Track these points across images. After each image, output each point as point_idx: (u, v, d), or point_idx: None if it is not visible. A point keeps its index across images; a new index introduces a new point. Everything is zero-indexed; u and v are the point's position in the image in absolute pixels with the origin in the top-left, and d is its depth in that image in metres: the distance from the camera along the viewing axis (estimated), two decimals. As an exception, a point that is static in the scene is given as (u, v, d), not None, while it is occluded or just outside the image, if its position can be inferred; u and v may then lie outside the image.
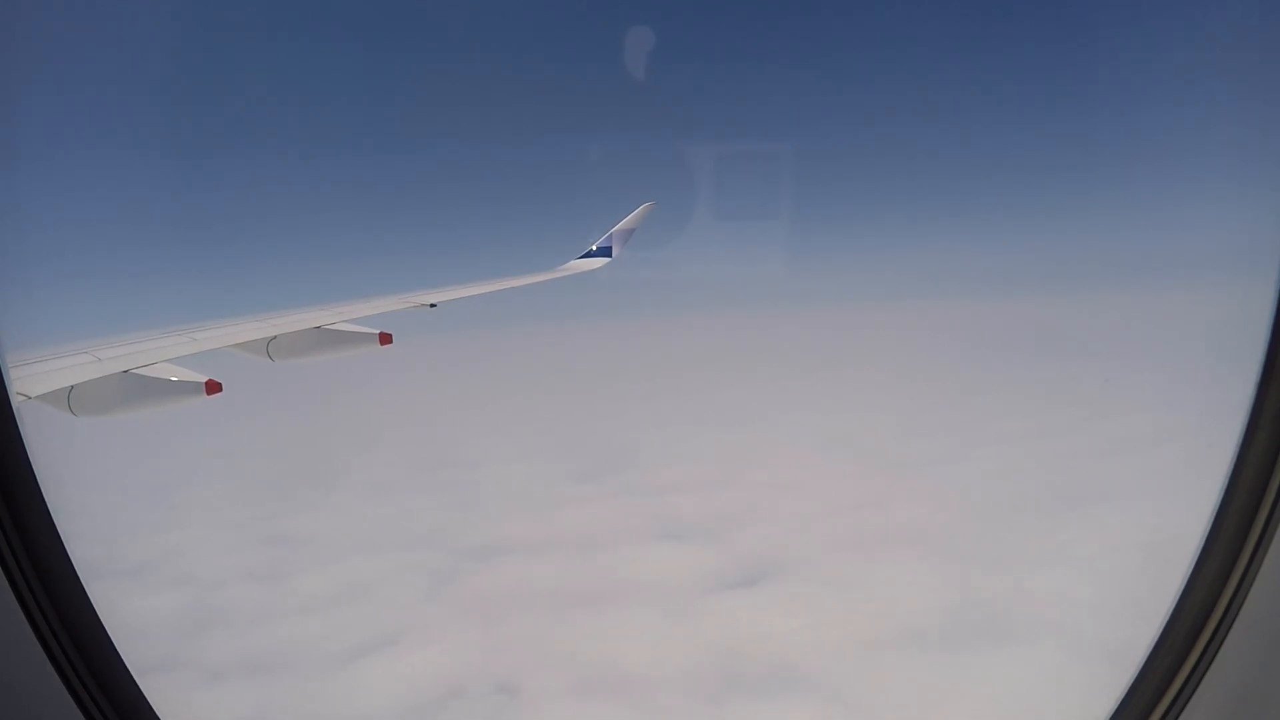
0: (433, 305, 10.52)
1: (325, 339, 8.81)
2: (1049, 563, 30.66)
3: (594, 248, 14.77)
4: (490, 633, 29.44)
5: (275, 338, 8.56)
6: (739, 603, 30.23)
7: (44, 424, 6.13)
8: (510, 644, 28.53)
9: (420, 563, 34.99)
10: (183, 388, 6.69)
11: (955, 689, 24.03)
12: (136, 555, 36.03)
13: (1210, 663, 2.57)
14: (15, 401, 2.46)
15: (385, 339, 8.90)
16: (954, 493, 39.88)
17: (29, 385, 5.97)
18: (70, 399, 6.22)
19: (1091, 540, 32.46)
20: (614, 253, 14.72)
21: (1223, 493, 2.62)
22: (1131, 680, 2.79)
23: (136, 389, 6.61)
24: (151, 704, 2.69)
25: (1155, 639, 2.73)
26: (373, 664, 27.18)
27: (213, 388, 6.69)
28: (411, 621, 30.20)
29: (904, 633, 26.84)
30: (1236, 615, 2.51)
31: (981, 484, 40.45)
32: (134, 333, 8.21)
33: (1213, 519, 2.64)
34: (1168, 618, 2.70)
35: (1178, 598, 2.69)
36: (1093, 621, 24.70)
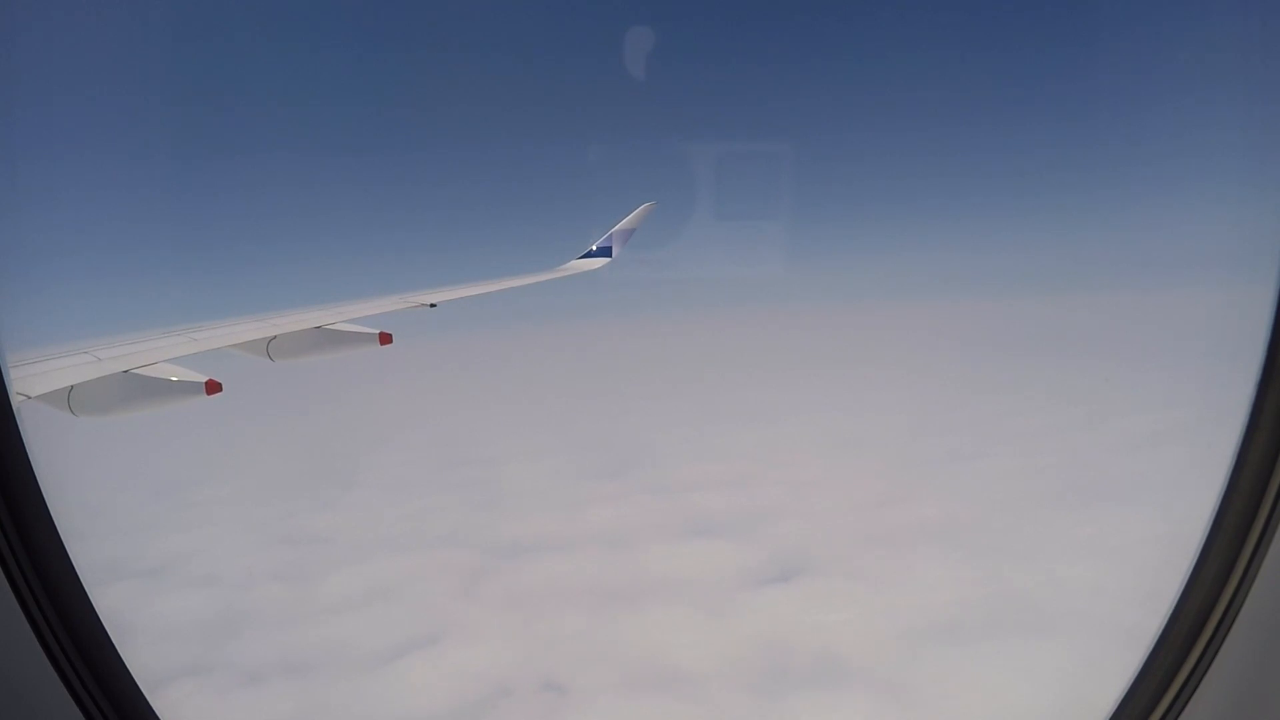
0: (433, 305, 10.52)
1: (325, 339, 8.81)
2: (1049, 562, 30.68)
3: (594, 248, 14.75)
4: (530, 630, 29.28)
5: (275, 338, 8.56)
6: (778, 598, 30.21)
7: (44, 424, 6.13)
8: (552, 641, 28.40)
9: (447, 561, 34.73)
10: (183, 388, 6.70)
11: (957, 686, 24.09)
12: (137, 555, 35.95)
13: (1210, 663, 2.57)
14: (15, 401, 2.46)
15: (385, 339, 8.91)
16: (956, 491, 39.93)
17: (29, 385, 5.98)
18: (70, 399, 6.22)
19: (1091, 540, 32.48)
20: (614, 253, 14.71)
21: (1223, 493, 2.62)
22: (1131, 680, 2.79)
23: (136, 389, 6.61)
24: (151, 704, 2.69)
25: (1155, 639, 2.73)
26: (416, 663, 26.99)
27: (213, 388, 6.69)
28: (448, 620, 29.92)
29: (907, 628, 26.94)
30: (1236, 615, 2.51)
31: (982, 483, 40.48)
32: (134, 333, 8.22)
33: (1213, 519, 2.63)
34: (1168, 617, 2.70)
35: (1178, 597, 2.69)
36: (1093, 620, 24.72)
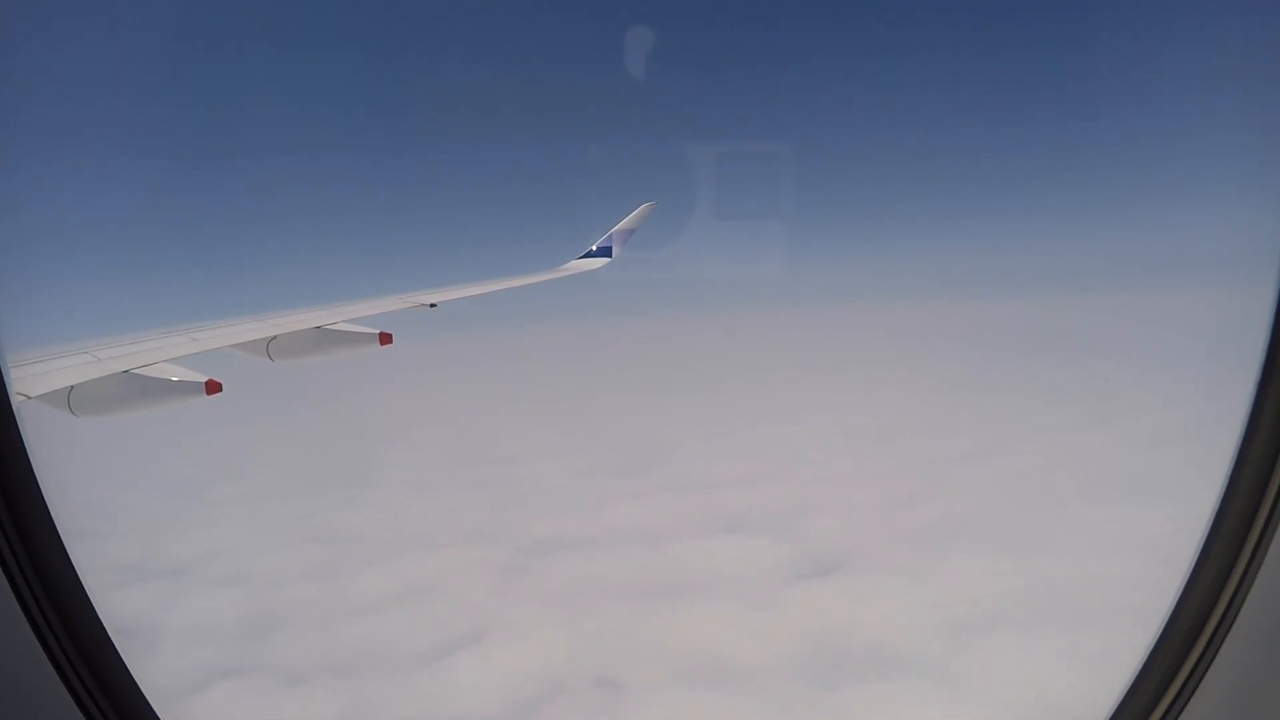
0: (433, 305, 10.51)
1: (325, 339, 8.80)
2: (1049, 562, 30.68)
3: (594, 248, 14.75)
4: (573, 627, 29.01)
5: (275, 338, 8.56)
6: (820, 592, 30.23)
7: (44, 424, 6.13)
8: (597, 638, 28.21)
9: (473, 560, 34.43)
10: (183, 388, 6.69)
11: (970, 682, 24.12)
12: (140, 556, 35.81)
13: (1210, 663, 2.56)
14: (15, 401, 2.46)
15: (385, 339, 8.90)
16: (957, 489, 39.94)
17: (29, 385, 5.97)
18: (70, 399, 6.22)
19: (1091, 539, 32.48)
20: (614, 253, 14.70)
21: (1223, 493, 2.62)
22: (1131, 680, 2.78)
23: (136, 389, 6.61)
24: (151, 704, 2.70)
25: (1155, 639, 2.73)
26: (463, 662, 26.76)
27: (213, 388, 6.68)
28: (487, 619, 29.56)
29: (941, 621, 27.12)
30: (1236, 615, 2.51)
31: (984, 482, 40.48)
32: (134, 333, 8.22)
33: (1213, 519, 2.63)
34: (1168, 618, 2.70)
35: (1178, 598, 2.68)
36: (1094, 619, 24.71)
